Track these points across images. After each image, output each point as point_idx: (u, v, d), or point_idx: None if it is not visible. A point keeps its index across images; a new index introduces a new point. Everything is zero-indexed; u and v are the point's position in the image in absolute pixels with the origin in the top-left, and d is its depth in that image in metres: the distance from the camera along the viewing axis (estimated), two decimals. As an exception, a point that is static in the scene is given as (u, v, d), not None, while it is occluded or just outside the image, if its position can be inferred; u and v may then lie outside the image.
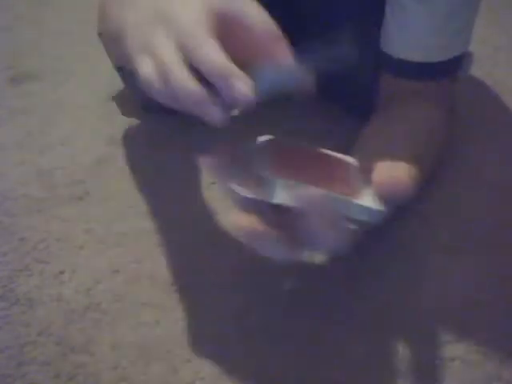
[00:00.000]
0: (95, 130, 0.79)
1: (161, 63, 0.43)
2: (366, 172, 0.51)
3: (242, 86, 0.41)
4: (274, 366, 0.53)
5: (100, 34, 0.70)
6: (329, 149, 0.52)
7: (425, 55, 0.66)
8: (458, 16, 0.64)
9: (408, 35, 0.66)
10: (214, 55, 0.42)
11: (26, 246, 0.64)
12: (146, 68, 0.44)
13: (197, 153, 0.45)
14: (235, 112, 0.44)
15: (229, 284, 0.59)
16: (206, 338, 0.55)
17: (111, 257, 0.63)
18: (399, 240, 0.64)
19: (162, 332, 0.56)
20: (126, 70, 0.70)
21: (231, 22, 0.45)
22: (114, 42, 0.56)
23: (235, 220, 0.46)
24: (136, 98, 0.78)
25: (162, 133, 0.78)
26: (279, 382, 0.52)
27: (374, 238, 0.64)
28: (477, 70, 0.86)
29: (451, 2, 0.63)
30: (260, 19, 0.46)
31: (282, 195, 0.45)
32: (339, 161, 0.52)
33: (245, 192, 0.45)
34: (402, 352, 0.54)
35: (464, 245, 0.64)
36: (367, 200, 0.48)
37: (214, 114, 0.42)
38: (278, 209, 0.46)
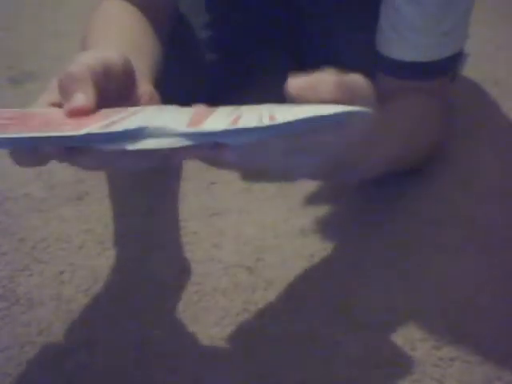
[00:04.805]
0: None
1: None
2: None
3: None
4: (274, 366, 0.53)
5: None
6: None
7: (418, 55, 0.66)
8: (448, 16, 0.64)
9: (401, 35, 0.66)
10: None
11: (26, 246, 0.64)
12: None
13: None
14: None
15: (228, 284, 0.59)
16: (206, 339, 0.55)
17: (111, 257, 0.63)
18: (400, 240, 0.64)
19: (161, 332, 0.56)
20: None
21: (106, 75, 0.45)
22: None
23: None
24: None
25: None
26: (279, 382, 0.52)
27: (374, 238, 0.65)
28: (477, 70, 0.86)
29: (439, 3, 0.63)
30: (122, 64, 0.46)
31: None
32: None
33: None
34: (402, 352, 0.54)
35: (464, 245, 0.64)
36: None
37: None
38: None
